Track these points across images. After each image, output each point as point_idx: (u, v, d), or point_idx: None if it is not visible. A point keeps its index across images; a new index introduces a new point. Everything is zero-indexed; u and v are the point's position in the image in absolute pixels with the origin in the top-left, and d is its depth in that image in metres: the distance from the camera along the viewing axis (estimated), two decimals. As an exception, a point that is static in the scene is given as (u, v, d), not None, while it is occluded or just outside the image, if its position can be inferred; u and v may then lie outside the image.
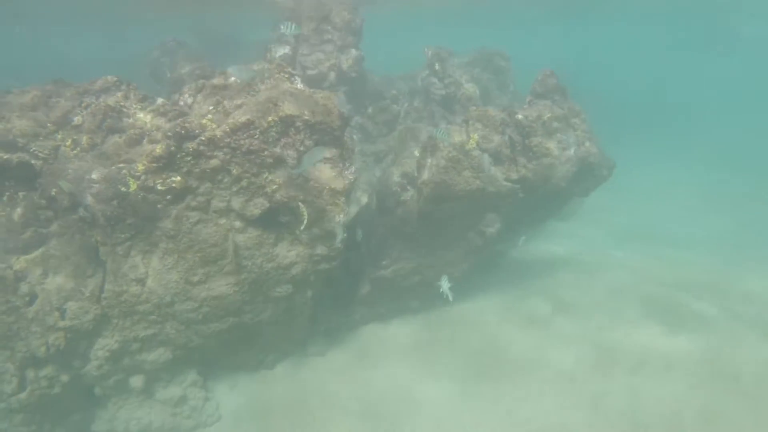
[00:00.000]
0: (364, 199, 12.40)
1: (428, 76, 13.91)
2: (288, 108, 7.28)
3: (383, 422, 8.77)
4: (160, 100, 8.35)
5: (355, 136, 13.94)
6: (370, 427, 8.71)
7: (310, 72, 13.03)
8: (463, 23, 34.80)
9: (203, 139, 6.98)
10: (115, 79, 8.28)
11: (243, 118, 7.03)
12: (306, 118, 7.39)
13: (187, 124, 6.92)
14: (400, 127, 13.00)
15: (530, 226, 11.94)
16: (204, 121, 7.13)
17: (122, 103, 8.13)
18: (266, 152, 7.30)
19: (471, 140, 8.79)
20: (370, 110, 14.35)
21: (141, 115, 8.06)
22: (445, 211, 9.22)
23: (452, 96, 13.31)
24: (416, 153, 9.80)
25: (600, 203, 19.80)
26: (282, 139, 7.39)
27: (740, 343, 10.17)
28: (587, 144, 9.77)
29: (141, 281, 7.71)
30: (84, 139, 7.71)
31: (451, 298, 9.15)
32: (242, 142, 7.10)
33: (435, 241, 10.01)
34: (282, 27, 11.62)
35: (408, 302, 11.22)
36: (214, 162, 7.15)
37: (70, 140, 7.67)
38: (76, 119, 7.87)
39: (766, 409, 8.47)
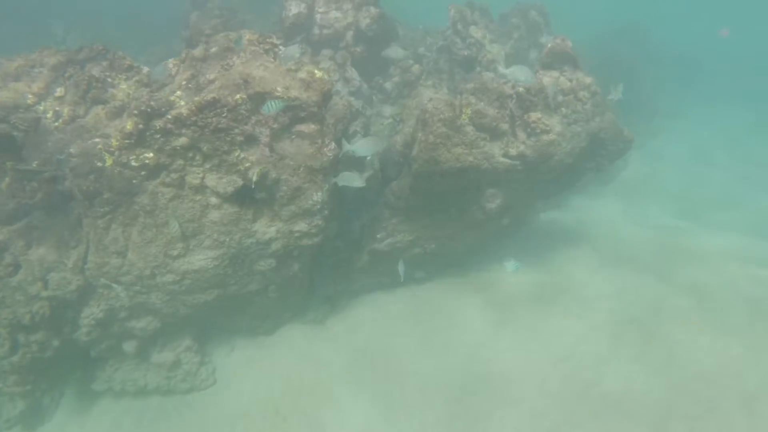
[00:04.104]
0: (376, 165, 12.09)
1: (451, 35, 13.14)
2: (258, 85, 7.01)
3: (371, 391, 8.82)
4: (145, 70, 8.24)
5: (374, 98, 13.52)
6: (357, 396, 8.75)
7: (326, 31, 12.53)
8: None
9: (169, 117, 6.84)
10: (101, 47, 8.20)
11: (209, 96, 6.83)
12: (278, 94, 7.09)
13: (153, 102, 6.79)
14: (413, 92, 12.45)
15: (540, 201, 11.35)
16: (172, 98, 6.97)
17: (107, 73, 8.07)
18: (236, 130, 7.10)
19: (463, 115, 8.26)
20: (391, 70, 13.79)
21: (124, 86, 7.99)
22: (438, 187, 8.83)
23: (473, 58, 12.55)
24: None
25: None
26: (253, 117, 7.16)
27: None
28: (597, 119, 9.03)
29: (122, 254, 7.82)
30: (65, 111, 7.74)
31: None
32: (210, 120, 6.92)
33: (432, 216, 9.66)
34: None
35: (412, 272, 11.01)
36: (183, 140, 7.03)
37: (51, 112, 7.72)
38: (59, 90, 7.88)
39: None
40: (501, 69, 8.96)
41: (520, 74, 8.35)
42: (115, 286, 7.80)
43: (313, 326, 10.25)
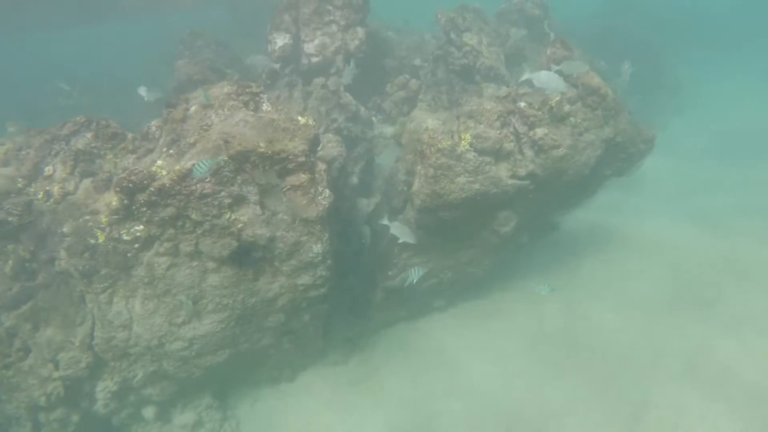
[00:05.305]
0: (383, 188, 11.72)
1: (445, 44, 12.67)
2: (239, 144, 6.71)
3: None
4: (129, 136, 8.05)
5: (374, 119, 13.16)
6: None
7: (314, 59, 12.18)
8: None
9: (152, 189, 6.62)
10: (83, 119, 8.03)
11: (189, 164, 6.57)
12: (261, 150, 6.80)
13: (133, 177, 6.57)
14: (411, 113, 12.01)
15: (560, 212, 10.82)
16: (154, 168, 6.74)
17: (93, 144, 7.91)
18: (222, 193, 6.84)
19: (463, 141, 7.84)
20: (388, 87, 13.41)
21: (110, 155, 7.83)
22: (445, 219, 8.44)
23: (471, 66, 12.06)
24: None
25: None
26: (239, 177, 6.88)
27: None
28: (611, 122, 8.49)
29: (127, 327, 7.65)
30: (56, 190, 7.61)
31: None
32: (194, 187, 6.67)
33: (444, 246, 9.28)
34: None
35: (431, 302, 10.65)
36: (170, 210, 6.80)
37: (42, 192, 7.60)
38: (47, 169, 7.76)
39: None
40: (527, 75, 8.29)
41: (549, 82, 7.88)
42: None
43: (336, 369, 9.97)
